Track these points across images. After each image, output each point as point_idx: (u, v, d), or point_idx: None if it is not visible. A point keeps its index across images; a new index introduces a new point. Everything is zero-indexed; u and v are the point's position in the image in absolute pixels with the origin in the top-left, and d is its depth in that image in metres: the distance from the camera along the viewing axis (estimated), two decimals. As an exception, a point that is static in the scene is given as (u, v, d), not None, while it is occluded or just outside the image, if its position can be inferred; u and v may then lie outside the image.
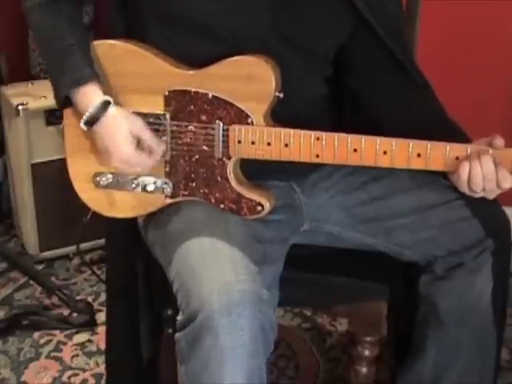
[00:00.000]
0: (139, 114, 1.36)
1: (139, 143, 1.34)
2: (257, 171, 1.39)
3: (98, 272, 2.35)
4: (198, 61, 1.33)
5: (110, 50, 1.37)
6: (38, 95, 2.30)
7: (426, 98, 1.45)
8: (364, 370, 1.66)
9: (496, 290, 1.42)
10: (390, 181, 1.46)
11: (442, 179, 1.36)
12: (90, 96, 1.33)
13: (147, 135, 1.34)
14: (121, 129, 1.32)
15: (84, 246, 2.36)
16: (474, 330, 1.45)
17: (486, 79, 2.34)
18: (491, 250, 1.42)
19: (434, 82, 1.46)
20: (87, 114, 1.33)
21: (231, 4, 1.32)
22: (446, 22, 2.30)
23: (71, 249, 2.37)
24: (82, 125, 1.34)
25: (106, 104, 1.32)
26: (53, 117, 2.29)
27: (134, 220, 1.51)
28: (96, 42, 1.37)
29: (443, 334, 1.47)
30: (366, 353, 1.63)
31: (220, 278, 1.22)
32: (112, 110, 1.33)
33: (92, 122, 1.33)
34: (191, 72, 1.34)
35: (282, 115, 1.34)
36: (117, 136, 1.33)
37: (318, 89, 1.46)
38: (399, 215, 1.46)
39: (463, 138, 1.32)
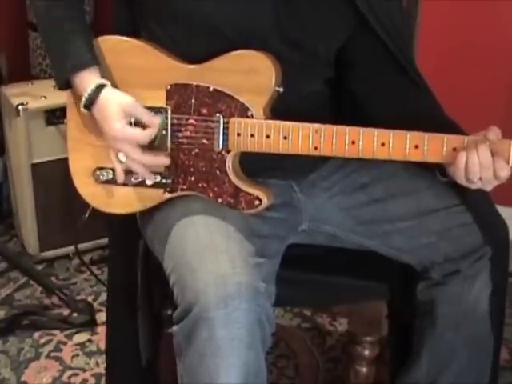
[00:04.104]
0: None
1: (136, 122, 1.35)
2: (256, 169, 1.39)
3: (98, 272, 2.35)
4: (201, 59, 1.34)
5: (116, 45, 1.39)
6: (38, 95, 2.30)
7: (425, 98, 1.45)
8: (364, 370, 1.66)
9: (494, 296, 1.42)
10: (390, 183, 1.46)
11: (439, 176, 1.36)
12: (88, 80, 1.36)
13: (139, 110, 1.35)
14: (112, 107, 1.34)
15: (84, 245, 2.36)
16: (469, 337, 1.44)
17: (486, 79, 2.34)
18: (488, 257, 1.41)
19: (433, 81, 1.46)
20: (84, 98, 1.35)
21: (236, 3, 1.33)
22: (446, 22, 2.30)
23: (71, 249, 2.36)
24: (82, 109, 1.37)
25: (100, 87, 1.35)
26: (53, 117, 2.29)
27: (133, 217, 1.51)
28: (102, 38, 1.40)
29: (437, 340, 1.46)
30: (366, 353, 1.64)
31: (216, 270, 1.22)
32: (106, 91, 1.35)
33: (89, 104, 1.36)
34: (193, 66, 1.35)
35: (281, 113, 1.33)
36: (108, 115, 1.34)
37: (318, 88, 1.46)
38: (397, 219, 1.46)
39: None
